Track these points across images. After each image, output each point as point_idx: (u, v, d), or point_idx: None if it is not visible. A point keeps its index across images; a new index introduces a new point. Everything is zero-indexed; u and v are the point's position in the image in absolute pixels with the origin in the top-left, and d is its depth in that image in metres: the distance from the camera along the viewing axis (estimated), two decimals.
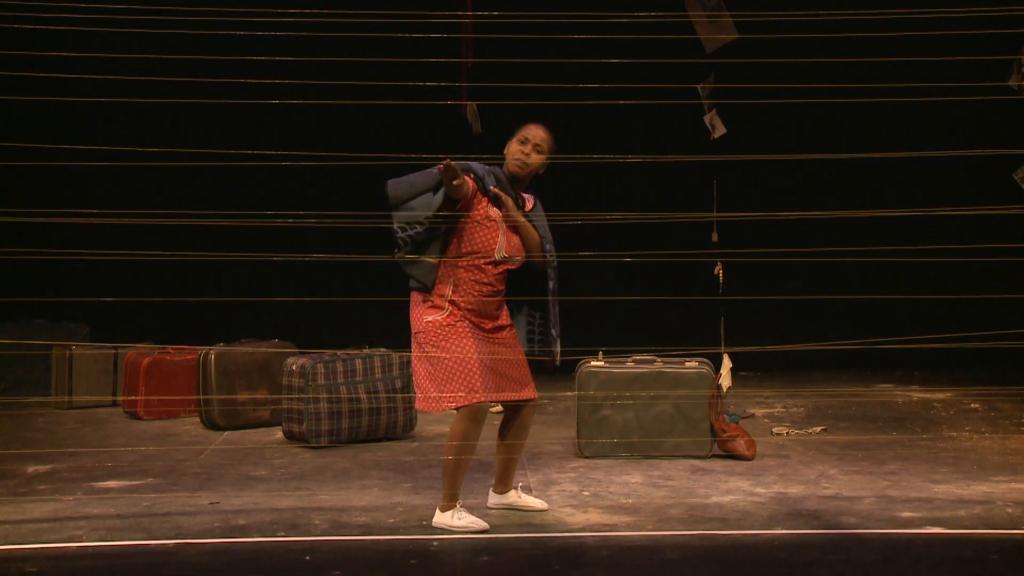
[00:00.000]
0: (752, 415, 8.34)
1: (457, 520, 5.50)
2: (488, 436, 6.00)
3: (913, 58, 7.01)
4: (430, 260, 5.55)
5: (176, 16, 6.21)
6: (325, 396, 7.39)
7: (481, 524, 5.52)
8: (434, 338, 5.53)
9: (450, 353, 5.49)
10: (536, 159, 5.68)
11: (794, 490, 6.24)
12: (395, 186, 5.53)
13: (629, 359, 7.17)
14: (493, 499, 5.90)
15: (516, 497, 5.89)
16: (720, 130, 7.02)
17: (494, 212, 5.59)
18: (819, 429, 7.84)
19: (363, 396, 7.52)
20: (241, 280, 9.40)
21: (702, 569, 5.10)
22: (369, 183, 6.22)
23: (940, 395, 9.12)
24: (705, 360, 7.17)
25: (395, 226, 5.52)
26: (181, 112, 9.51)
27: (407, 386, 7.60)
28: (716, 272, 6.93)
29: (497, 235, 5.59)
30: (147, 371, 8.53)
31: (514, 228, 5.65)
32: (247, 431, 8.01)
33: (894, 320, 9.61)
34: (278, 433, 7.77)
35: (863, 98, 7.90)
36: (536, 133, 5.68)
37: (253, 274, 9.29)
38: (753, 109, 8.22)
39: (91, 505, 6.00)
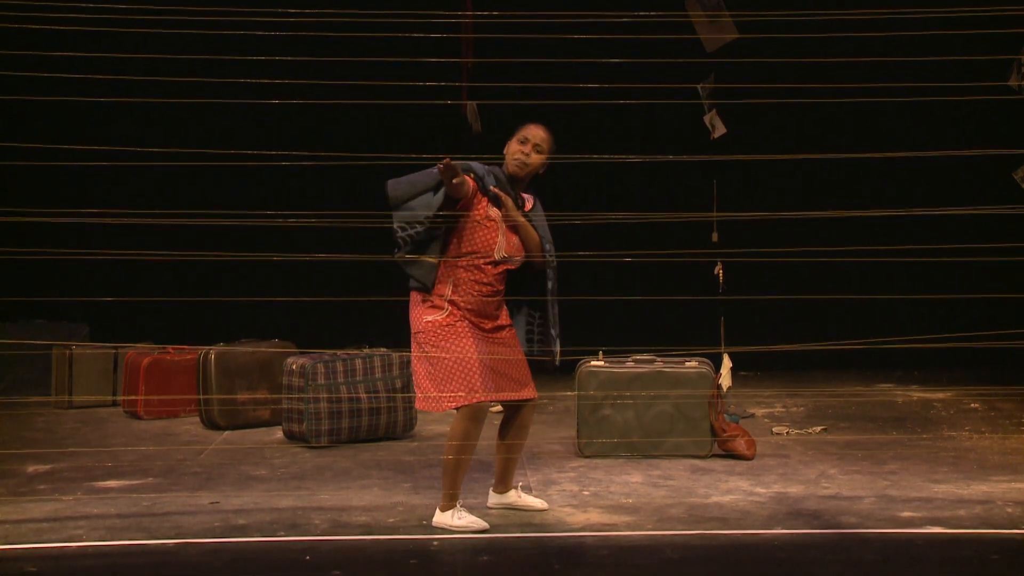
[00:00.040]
0: (752, 415, 8.34)
1: (457, 520, 5.50)
2: (488, 436, 6.01)
3: (913, 58, 7.01)
4: (430, 260, 5.55)
5: (176, 16, 6.21)
6: (325, 396, 7.39)
7: (481, 524, 5.52)
8: (434, 338, 5.53)
9: (450, 353, 5.49)
10: (536, 159, 5.68)
11: (794, 490, 6.24)
12: (395, 186, 5.53)
13: (629, 359, 7.17)
14: (493, 499, 5.90)
15: (516, 497, 5.89)
16: (720, 130, 7.03)
17: (494, 212, 5.59)
18: (819, 429, 7.84)
19: (363, 396, 7.52)
20: (241, 280, 9.40)
21: (702, 569, 5.10)
22: (369, 183, 6.22)
23: (940, 395, 9.12)
24: (705, 360, 7.17)
25: (395, 226, 5.52)
26: (181, 112, 9.50)
27: (407, 386, 7.60)
28: (716, 272, 6.94)
29: (497, 235, 5.59)
30: (147, 371, 8.53)
31: (513, 228, 5.65)
32: (247, 431, 8.01)
33: (894, 320, 9.60)
34: (278, 433, 7.77)
35: (863, 98, 7.90)
36: (536, 133, 5.68)
37: (253, 274, 9.29)
38: (753, 109, 8.22)
39: (91, 505, 6.00)
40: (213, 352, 8.13)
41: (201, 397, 8.09)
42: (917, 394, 9.24)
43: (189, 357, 8.56)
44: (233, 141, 7.47)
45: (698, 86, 6.89)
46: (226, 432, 7.96)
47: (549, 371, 5.93)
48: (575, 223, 6.03)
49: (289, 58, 6.88)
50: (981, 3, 6.24)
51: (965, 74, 6.89)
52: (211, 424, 8.09)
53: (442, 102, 6.81)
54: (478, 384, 5.46)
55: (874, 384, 9.74)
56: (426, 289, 5.57)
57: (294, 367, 7.51)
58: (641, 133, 10.00)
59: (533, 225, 5.70)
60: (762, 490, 6.24)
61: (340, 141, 9.80)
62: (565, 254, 5.84)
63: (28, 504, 6.02)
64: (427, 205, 5.48)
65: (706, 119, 7.03)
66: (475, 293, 5.57)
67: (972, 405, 8.66)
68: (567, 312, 5.92)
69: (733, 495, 6.14)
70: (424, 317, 5.57)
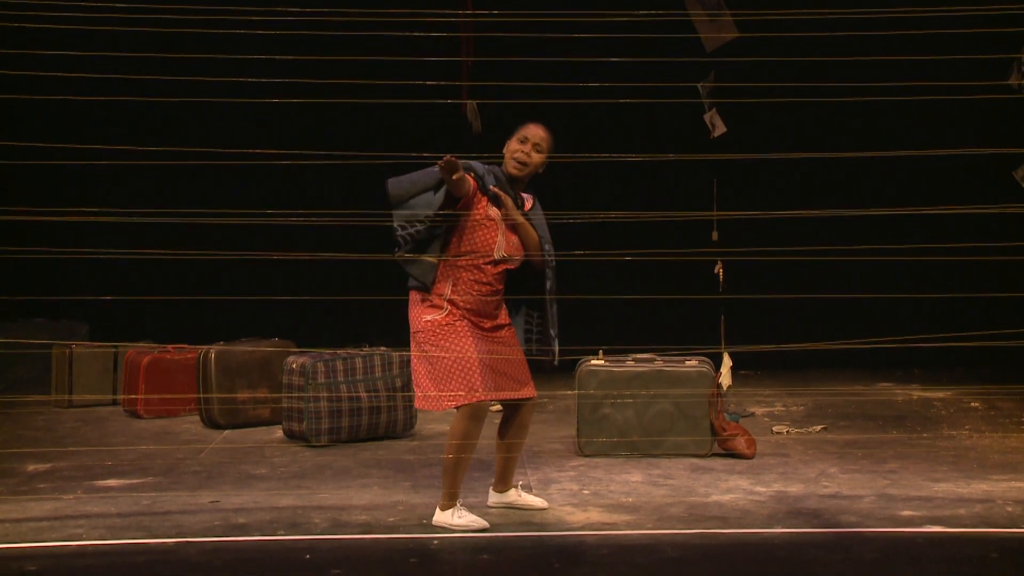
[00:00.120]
0: (752, 414, 8.34)
1: (457, 519, 5.51)
2: (488, 435, 6.01)
3: (913, 57, 7.01)
4: (429, 259, 5.55)
5: (176, 16, 6.21)
6: (325, 395, 7.39)
7: (481, 523, 5.52)
8: (433, 337, 5.53)
9: (449, 352, 5.49)
10: (536, 158, 5.68)
11: (794, 489, 6.25)
12: (396, 184, 5.53)
13: (629, 358, 7.17)
14: (493, 498, 5.90)
15: (516, 496, 5.89)
16: (720, 129, 7.03)
17: (494, 212, 5.60)
18: (819, 428, 7.84)
19: (363, 395, 7.52)
20: (241, 279, 9.40)
21: (702, 568, 5.10)
22: (369, 182, 6.22)
23: (940, 394, 9.12)
24: (705, 359, 7.17)
25: (395, 224, 5.52)
26: (181, 111, 9.51)
27: (407, 385, 7.60)
28: (716, 271, 6.93)
29: (496, 235, 5.59)
30: (147, 370, 8.53)
31: (513, 227, 5.64)
32: (247, 430, 8.01)
33: (894, 320, 9.60)
34: (278, 432, 7.77)
35: (863, 97, 7.90)
36: (536, 132, 5.68)
37: (253, 273, 9.29)
38: (753, 109, 8.22)
39: (91, 504, 6.00)
40: (213, 351, 8.13)
41: (201, 396, 8.09)
42: (917, 393, 9.24)
43: (189, 356, 8.56)
44: (233, 141, 7.48)
45: (698, 85, 6.89)
46: (226, 431, 7.97)
47: (548, 370, 5.93)
48: (575, 222, 6.03)
49: (289, 57, 6.89)
50: (981, 3, 6.24)
51: (965, 73, 6.89)
52: (211, 423, 8.10)
53: (442, 101, 6.81)
54: (478, 383, 5.46)
55: (874, 383, 9.74)
56: (425, 288, 5.57)
57: (294, 366, 7.51)
58: (641, 133, 10.00)
59: (532, 225, 5.70)
60: (762, 489, 6.24)
61: (340, 140, 9.80)
62: (564, 254, 5.84)
63: (28, 503, 6.02)
64: (428, 204, 5.48)
65: (706, 118, 7.03)
66: (474, 292, 5.57)
67: (972, 404, 8.66)
68: (567, 311, 5.92)
69: (733, 494, 6.14)
70: (423, 316, 5.57)
